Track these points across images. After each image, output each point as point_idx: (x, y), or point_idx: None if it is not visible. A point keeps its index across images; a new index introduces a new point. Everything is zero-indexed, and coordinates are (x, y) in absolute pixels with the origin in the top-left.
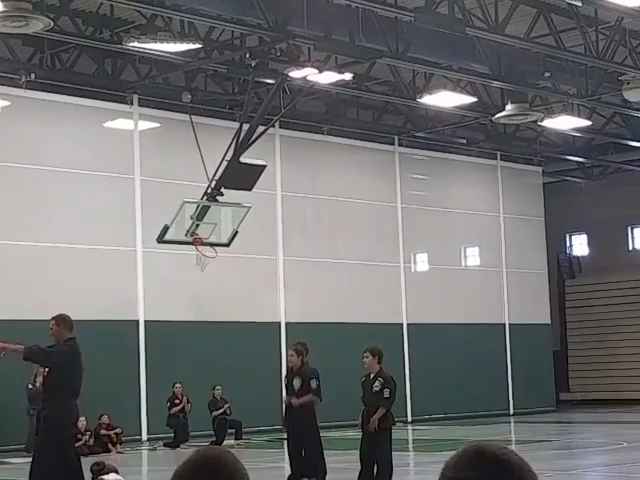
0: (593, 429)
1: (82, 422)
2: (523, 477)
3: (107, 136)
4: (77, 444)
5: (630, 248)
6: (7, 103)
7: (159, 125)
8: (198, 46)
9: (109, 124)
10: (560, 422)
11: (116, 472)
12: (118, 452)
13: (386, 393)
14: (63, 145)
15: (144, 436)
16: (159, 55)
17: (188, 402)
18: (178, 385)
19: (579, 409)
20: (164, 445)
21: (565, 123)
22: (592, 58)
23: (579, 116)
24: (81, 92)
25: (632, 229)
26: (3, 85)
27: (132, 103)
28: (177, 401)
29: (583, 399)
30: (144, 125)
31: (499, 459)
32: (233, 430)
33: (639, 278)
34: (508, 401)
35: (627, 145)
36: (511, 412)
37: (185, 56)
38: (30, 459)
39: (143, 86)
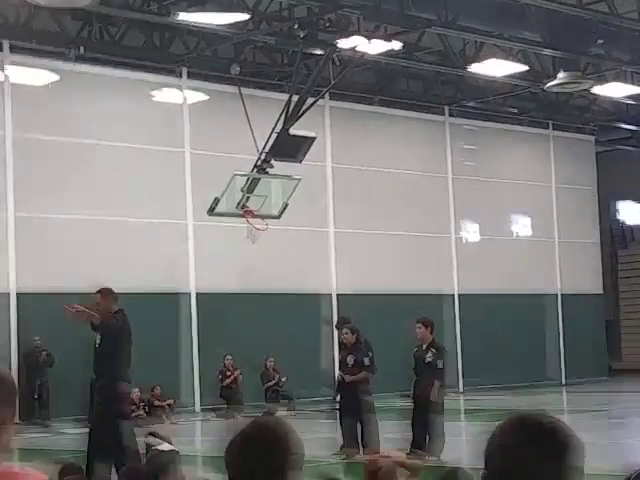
0: None
1: (136, 393)
2: (566, 443)
3: (156, 109)
4: (132, 415)
5: None
6: (56, 77)
7: (208, 98)
8: (246, 17)
9: (158, 97)
10: (612, 391)
11: (170, 442)
12: (172, 423)
13: (439, 364)
14: (112, 119)
15: (197, 407)
16: (207, 27)
17: (240, 374)
18: (229, 357)
19: (632, 378)
20: (217, 416)
21: (618, 91)
22: None
23: (632, 83)
24: (130, 65)
25: None
26: (53, 59)
27: (181, 76)
28: (228, 373)
29: (636, 368)
30: (193, 98)
31: (543, 426)
32: (285, 401)
33: None
34: (560, 370)
35: None
36: (563, 381)
37: (233, 28)
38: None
39: (192, 59)
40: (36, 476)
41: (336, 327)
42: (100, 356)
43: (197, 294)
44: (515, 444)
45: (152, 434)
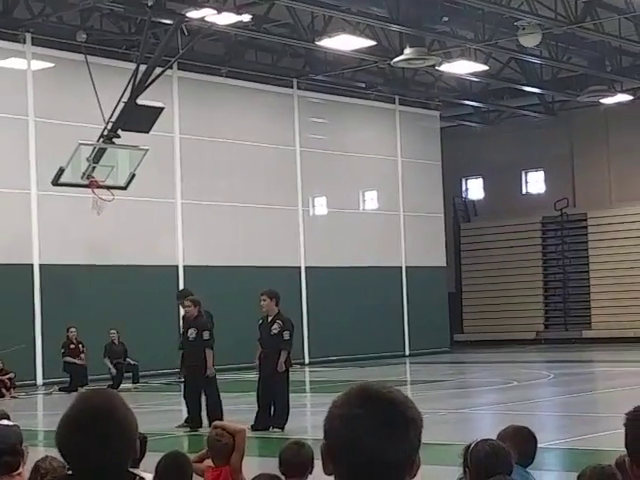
0: (486, 369)
1: None
2: (406, 413)
3: None
4: None
5: (523, 192)
6: None
7: (53, 65)
8: None
9: (1, 63)
10: (454, 362)
11: (7, 418)
12: (12, 397)
13: (286, 335)
14: None
15: (39, 381)
16: None
17: (83, 346)
18: (73, 329)
19: (473, 350)
20: (60, 390)
21: (462, 68)
22: (489, 3)
23: (476, 61)
24: None
25: (526, 173)
26: None
27: (25, 42)
28: (72, 345)
29: (477, 340)
30: (38, 65)
31: (383, 396)
32: (130, 373)
33: (532, 222)
34: (404, 342)
35: (522, 90)
36: (407, 353)
37: None
38: None
39: (36, 24)
40: None
41: (177, 299)
42: None
43: (41, 265)
44: (354, 414)
45: None
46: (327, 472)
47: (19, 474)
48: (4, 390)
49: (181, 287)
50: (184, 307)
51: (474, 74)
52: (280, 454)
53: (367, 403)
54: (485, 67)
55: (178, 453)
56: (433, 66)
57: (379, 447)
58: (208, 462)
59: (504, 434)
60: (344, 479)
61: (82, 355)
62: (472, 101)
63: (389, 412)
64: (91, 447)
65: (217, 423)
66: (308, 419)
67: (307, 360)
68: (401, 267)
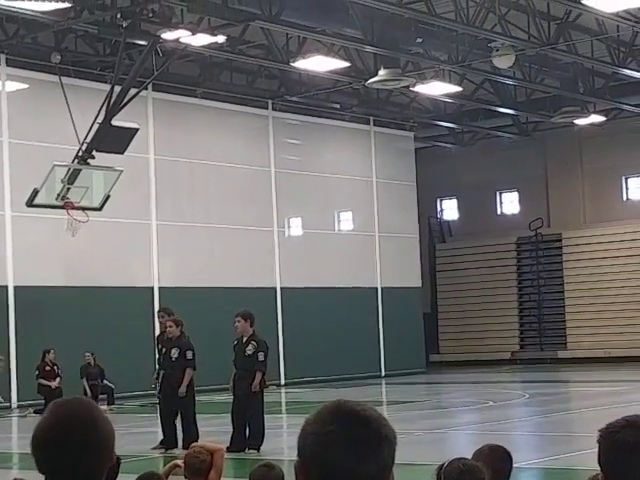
0: (461, 389)
1: None
2: (380, 431)
3: None
4: None
5: (498, 212)
6: None
7: (28, 86)
8: (68, 5)
9: None
10: (430, 383)
11: None
12: None
13: (261, 356)
14: None
15: (14, 403)
16: (27, 14)
17: (59, 369)
18: (52, 352)
19: (448, 370)
20: (34, 412)
21: (436, 89)
22: (463, 25)
23: (450, 82)
24: None
25: (500, 194)
26: None
27: None
28: (47, 368)
29: (452, 360)
30: (12, 86)
31: (357, 414)
32: (105, 395)
33: (506, 242)
34: (379, 363)
35: (496, 111)
36: (382, 374)
37: (54, 15)
38: None
39: (10, 46)
40: None
41: (159, 315)
42: None
43: (15, 287)
44: (327, 431)
45: None
46: None
47: None
48: None
49: (157, 308)
50: (165, 326)
51: (448, 95)
52: (250, 476)
53: (340, 420)
54: (459, 88)
55: (152, 474)
56: (407, 87)
57: (353, 464)
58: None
59: (479, 453)
60: None
61: (59, 378)
62: (446, 122)
63: (363, 429)
64: (69, 455)
65: (195, 443)
66: (284, 440)
67: (283, 381)
68: (376, 288)
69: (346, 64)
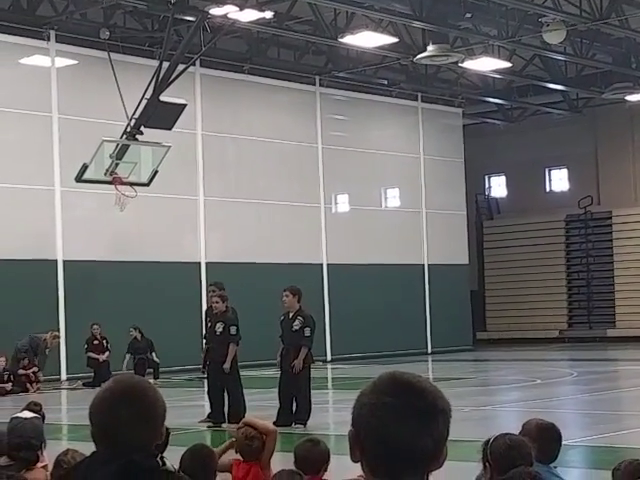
0: (509, 367)
1: (1, 362)
2: (436, 403)
3: (23, 73)
4: None
5: (547, 190)
6: None
7: (77, 62)
8: None
9: (25, 60)
10: (477, 360)
11: (38, 408)
12: (38, 390)
13: (307, 332)
14: None
15: (63, 376)
16: None
17: (107, 343)
18: (96, 326)
19: (495, 348)
20: (84, 385)
21: (485, 65)
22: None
23: (499, 58)
24: None
25: (549, 171)
26: None
27: (49, 39)
28: (95, 342)
29: (499, 338)
30: (61, 62)
31: (413, 385)
32: (152, 370)
33: (555, 219)
34: (426, 340)
35: (546, 87)
36: (429, 351)
37: None
38: None
39: (60, 22)
40: None
41: (213, 287)
42: None
43: (65, 261)
44: (383, 403)
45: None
46: (354, 459)
47: (44, 466)
48: (28, 384)
49: (204, 283)
50: (213, 301)
51: (497, 71)
52: (295, 450)
53: (397, 392)
54: (508, 64)
55: (203, 446)
56: (456, 63)
57: (408, 436)
58: (234, 456)
59: (528, 430)
60: (372, 467)
61: (107, 352)
62: (495, 98)
63: (419, 401)
64: (122, 425)
65: (247, 420)
66: (330, 415)
67: (329, 357)
68: (423, 265)
69: (394, 40)
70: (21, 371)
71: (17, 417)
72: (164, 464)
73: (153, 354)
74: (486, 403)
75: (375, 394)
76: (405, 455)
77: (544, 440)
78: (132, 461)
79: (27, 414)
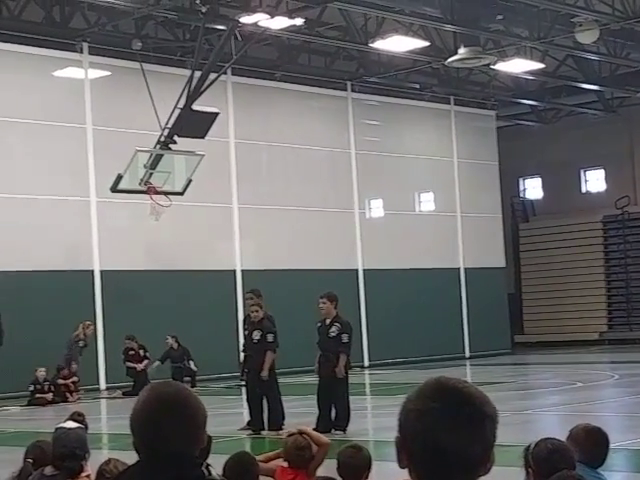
0: (548, 370)
1: (42, 372)
2: (483, 409)
3: (57, 85)
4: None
5: (583, 191)
6: None
7: (110, 73)
8: None
9: (59, 73)
10: (515, 364)
11: (81, 418)
12: (78, 400)
13: (344, 338)
14: (12, 95)
15: (102, 385)
16: (108, 2)
17: (145, 352)
18: (127, 340)
19: (534, 351)
20: (123, 394)
21: (518, 66)
22: (545, 0)
23: (532, 59)
24: (29, 40)
25: (584, 172)
26: None
27: (82, 51)
28: (132, 352)
29: (538, 341)
30: (94, 73)
31: (460, 391)
32: (189, 378)
33: (591, 220)
34: (464, 344)
35: (579, 88)
36: (467, 355)
37: (135, 3)
38: None
39: (93, 34)
40: None
41: (250, 295)
42: None
43: (101, 272)
44: (430, 408)
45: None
46: (401, 466)
47: (87, 476)
48: (68, 394)
49: (239, 291)
50: (251, 310)
51: (530, 72)
52: (337, 457)
53: (443, 397)
54: (541, 65)
55: (245, 453)
56: (488, 65)
57: (455, 442)
58: (279, 462)
59: (575, 433)
60: (419, 474)
61: (145, 361)
62: (529, 100)
63: (466, 407)
64: (164, 434)
65: (302, 428)
66: (369, 421)
67: (366, 363)
68: (459, 268)
69: (425, 43)
70: (60, 381)
71: (61, 427)
72: (210, 473)
73: (190, 362)
74: (526, 407)
75: (421, 400)
76: (452, 461)
77: (591, 444)
78: (180, 477)
79: (71, 424)
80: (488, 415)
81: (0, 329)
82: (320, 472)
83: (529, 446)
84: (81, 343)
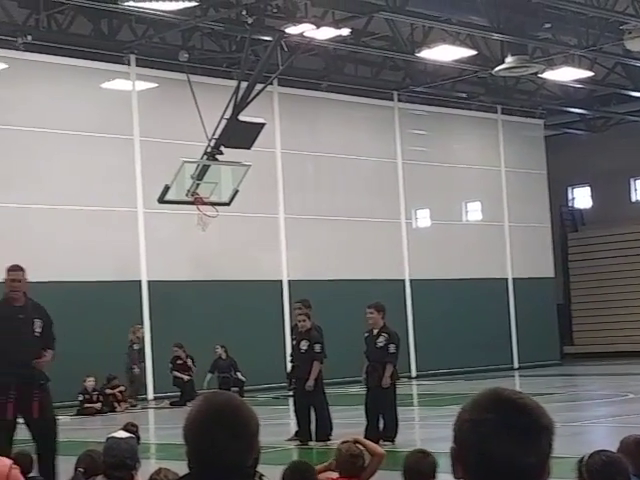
0: (598, 381)
1: (91, 382)
2: (539, 420)
3: (105, 97)
4: (86, 405)
5: (633, 200)
6: (4, 65)
7: (157, 85)
8: (194, 4)
9: (107, 85)
10: (565, 375)
11: (134, 428)
12: (126, 410)
13: (392, 348)
14: (61, 107)
15: (150, 395)
16: (155, 14)
17: (192, 362)
18: (175, 348)
19: (583, 362)
20: (170, 404)
21: (566, 75)
22: (593, 8)
23: (580, 67)
24: (78, 53)
25: (634, 181)
26: (1, 48)
27: (129, 63)
28: (179, 361)
29: (588, 352)
30: (142, 85)
31: (515, 402)
32: (236, 388)
33: None
34: (512, 355)
35: (629, 96)
36: (515, 366)
37: (181, 15)
38: None
39: (140, 46)
40: (2, 460)
41: (299, 305)
42: None
43: (149, 282)
44: (485, 419)
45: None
46: (456, 476)
47: None
48: (116, 404)
49: (286, 301)
50: (299, 320)
51: (578, 81)
52: (405, 460)
53: (498, 408)
54: (590, 73)
55: (303, 462)
56: (536, 74)
57: (510, 453)
58: (329, 474)
59: (626, 444)
60: None
61: (191, 370)
62: (577, 108)
63: (521, 418)
64: (217, 444)
65: (358, 438)
66: (417, 432)
67: (414, 373)
68: (507, 279)
69: (472, 52)
70: (108, 390)
71: (113, 437)
72: None
73: (238, 373)
74: (577, 419)
75: (476, 410)
76: (507, 472)
77: None
78: None
79: (122, 434)
80: (544, 426)
81: (52, 335)
82: None
83: (582, 458)
84: (136, 346)
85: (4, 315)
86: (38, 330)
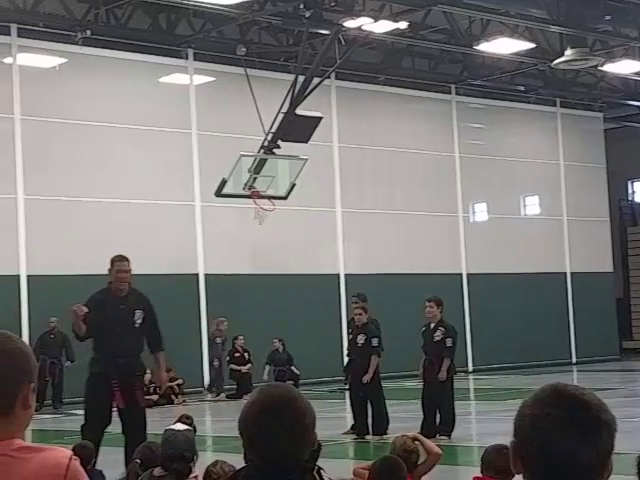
0: None
1: (148, 375)
2: (600, 416)
3: (163, 91)
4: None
5: None
6: (63, 60)
7: (214, 79)
8: None
9: (165, 79)
10: (624, 370)
11: (189, 420)
12: (183, 403)
13: (449, 342)
14: (119, 101)
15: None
16: (213, 8)
17: (249, 355)
18: (241, 337)
19: None
20: (227, 397)
21: (626, 67)
22: None
23: None
24: (136, 47)
25: None
26: (59, 42)
27: (187, 57)
28: (237, 354)
29: None
30: (200, 79)
31: (577, 398)
32: (292, 382)
33: None
34: (570, 350)
35: None
36: (574, 361)
37: (239, 9)
38: None
39: (198, 40)
40: (62, 451)
41: (356, 299)
42: None
43: (206, 275)
44: (546, 414)
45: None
46: (516, 471)
47: (195, 477)
48: (173, 396)
49: (343, 295)
50: (355, 313)
51: (639, 73)
52: (482, 455)
53: (559, 403)
54: None
55: (392, 457)
56: (595, 67)
57: (570, 449)
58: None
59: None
60: (533, 479)
61: (249, 364)
62: (637, 101)
63: (582, 413)
64: (273, 436)
65: (417, 436)
66: (473, 427)
67: (470, 367)
68: (566, 273)
69: (531, 45)
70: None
71: (171, 429)
72: (322, 478)
73: (293, 367)
74: (637, 414)
75: (537, 405)
76: (567, 468)
77: None
78: None
79: (180, 426)
80: (605, 422)
81: (157, 331)
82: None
83: None
84: (218, 340)
85: (105, 305)
86: (139, 321)
